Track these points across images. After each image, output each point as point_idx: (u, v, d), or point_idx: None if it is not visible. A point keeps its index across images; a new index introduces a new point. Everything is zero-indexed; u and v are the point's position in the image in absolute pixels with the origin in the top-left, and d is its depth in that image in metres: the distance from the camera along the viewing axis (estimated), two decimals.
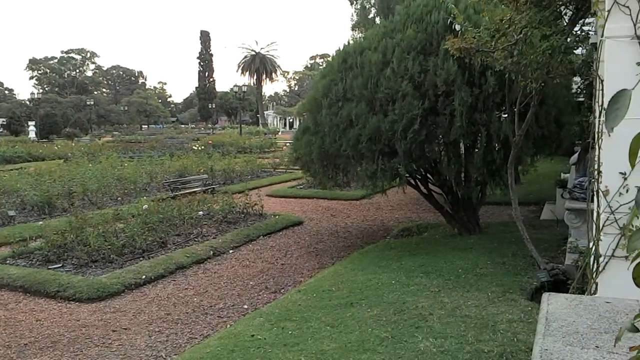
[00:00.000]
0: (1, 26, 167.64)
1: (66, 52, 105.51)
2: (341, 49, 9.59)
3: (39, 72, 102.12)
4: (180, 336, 6.22)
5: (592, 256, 4.15)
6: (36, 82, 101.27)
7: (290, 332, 5.40)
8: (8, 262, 9.10)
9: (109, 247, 9.09)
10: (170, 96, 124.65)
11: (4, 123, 71.49)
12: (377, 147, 8.33)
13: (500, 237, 8.76)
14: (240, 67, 79.48)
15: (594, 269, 4.10)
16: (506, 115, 7.75)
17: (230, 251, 10.01)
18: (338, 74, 9.06)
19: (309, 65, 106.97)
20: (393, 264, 7.70)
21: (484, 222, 10.26)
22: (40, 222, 11.61)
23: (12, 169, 24.10)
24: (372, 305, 5.94)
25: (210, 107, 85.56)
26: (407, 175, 9.02)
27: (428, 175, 9.56)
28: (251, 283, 8.16)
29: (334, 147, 8.84)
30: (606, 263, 3.95)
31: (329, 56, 15.06)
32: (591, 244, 4.27)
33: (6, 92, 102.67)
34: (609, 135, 3.68)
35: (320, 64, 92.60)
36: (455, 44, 6.44)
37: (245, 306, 7.16)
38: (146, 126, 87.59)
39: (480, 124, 7.94)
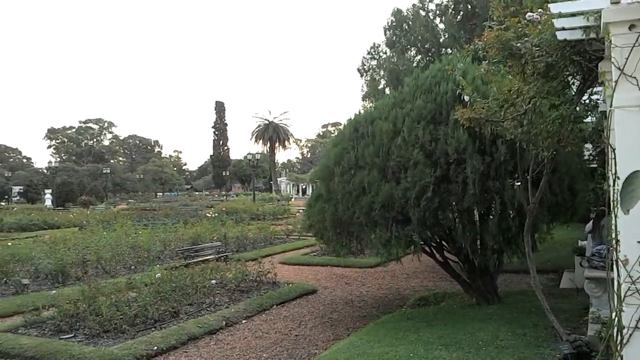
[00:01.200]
0: (21, 96, 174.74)
1: (84, 122, 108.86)
2: (352, 118, 9.81)
3: (57, 141, 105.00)
4: None
5: (615, 327, 4.03)
6: (54, 151, 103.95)
7: None
8: (20, 331, 9.05)
9: (121, 316, 9.01)
10: (185, 164, 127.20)
11: (21, 191, 73.01)
12: (390, 214, 8.34)
13: (519, 307, 8.54)
14: (254, 136, 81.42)
15: (618, 341, 3.96)
16: (519, 183, 7.75)
17: (243, 321, 9.84)
18: (350, 143, 9.21)
19: (321, 133, 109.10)
20: (410, 336, 7.49)
21: (502, 290, 10.04)
22: (54, 291, 11.55)
23: (27, 236, 24.36)
24: None
25: (224, 174, 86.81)
26: (422, 242, 8.95)
27: (443, 242, 9.47)
28: (264, 355, 7.96)
29: (347, 215, 8.85)
30: (630, 335, 3.83)
31: (341, 125, 15.39)
32: (614, 315, 4.15)
33: (24, 160, 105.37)
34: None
35: (332, 132, 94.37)
36: (465, 114, 6.54)
37: None
38: (161, 194, 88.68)
39: (493, 191, 7.95)
